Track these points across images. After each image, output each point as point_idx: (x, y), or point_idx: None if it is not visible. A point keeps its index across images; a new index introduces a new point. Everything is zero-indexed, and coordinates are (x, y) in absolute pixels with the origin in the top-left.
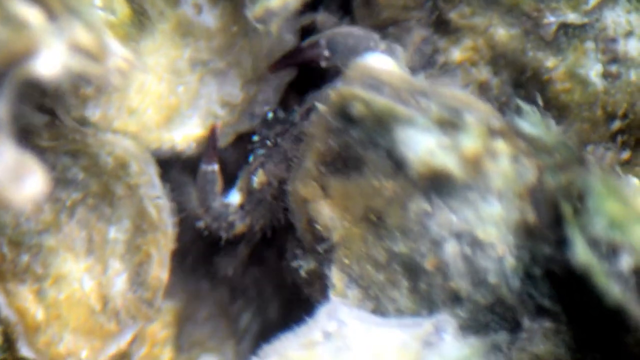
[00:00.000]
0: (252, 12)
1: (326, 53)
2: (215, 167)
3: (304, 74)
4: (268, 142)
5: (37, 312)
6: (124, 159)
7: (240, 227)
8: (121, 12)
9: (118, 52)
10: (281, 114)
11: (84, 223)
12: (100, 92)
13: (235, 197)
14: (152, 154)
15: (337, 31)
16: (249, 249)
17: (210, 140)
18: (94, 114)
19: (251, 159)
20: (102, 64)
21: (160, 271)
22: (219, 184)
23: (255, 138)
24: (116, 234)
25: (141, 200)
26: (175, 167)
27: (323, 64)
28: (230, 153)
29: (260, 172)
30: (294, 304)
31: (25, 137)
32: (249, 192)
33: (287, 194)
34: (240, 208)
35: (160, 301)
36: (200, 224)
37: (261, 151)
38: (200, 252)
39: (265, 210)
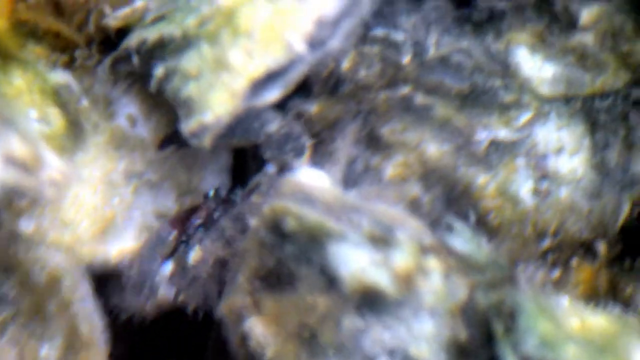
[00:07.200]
0: (187, 127)
1: None
2: (172, 234)
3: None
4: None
5: None
6: (57, 274)
7: (162, 297)
8: (56, 124)
9: (53, 164)
10: (222, 193)
11: (15, 341)
12: (34, 205)
13: (168, 267)
14: (87, 268)
15: None
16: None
17: (185, 215)
18: (27, 227)
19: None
20: (37, 176)
21: None
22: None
23: (196, 222)
24: (48, 351)
25: (74, 317)
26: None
27: None
28: None
29: (197, 248)
30: None
31: None
32: (183, 268)
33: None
34: (170, 279)
35: None
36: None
37: (199, 229)
38: None
39: (200, 288)
